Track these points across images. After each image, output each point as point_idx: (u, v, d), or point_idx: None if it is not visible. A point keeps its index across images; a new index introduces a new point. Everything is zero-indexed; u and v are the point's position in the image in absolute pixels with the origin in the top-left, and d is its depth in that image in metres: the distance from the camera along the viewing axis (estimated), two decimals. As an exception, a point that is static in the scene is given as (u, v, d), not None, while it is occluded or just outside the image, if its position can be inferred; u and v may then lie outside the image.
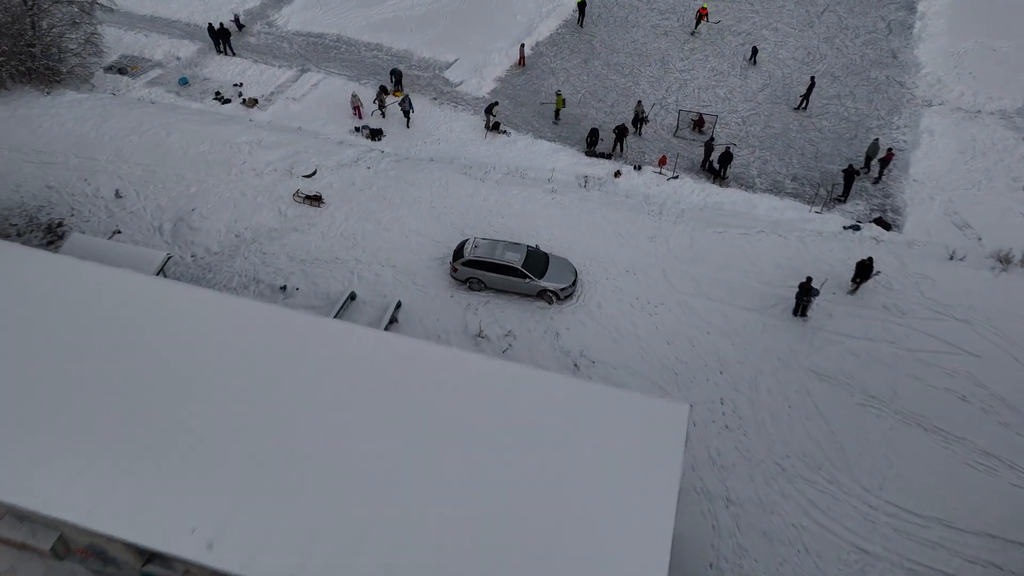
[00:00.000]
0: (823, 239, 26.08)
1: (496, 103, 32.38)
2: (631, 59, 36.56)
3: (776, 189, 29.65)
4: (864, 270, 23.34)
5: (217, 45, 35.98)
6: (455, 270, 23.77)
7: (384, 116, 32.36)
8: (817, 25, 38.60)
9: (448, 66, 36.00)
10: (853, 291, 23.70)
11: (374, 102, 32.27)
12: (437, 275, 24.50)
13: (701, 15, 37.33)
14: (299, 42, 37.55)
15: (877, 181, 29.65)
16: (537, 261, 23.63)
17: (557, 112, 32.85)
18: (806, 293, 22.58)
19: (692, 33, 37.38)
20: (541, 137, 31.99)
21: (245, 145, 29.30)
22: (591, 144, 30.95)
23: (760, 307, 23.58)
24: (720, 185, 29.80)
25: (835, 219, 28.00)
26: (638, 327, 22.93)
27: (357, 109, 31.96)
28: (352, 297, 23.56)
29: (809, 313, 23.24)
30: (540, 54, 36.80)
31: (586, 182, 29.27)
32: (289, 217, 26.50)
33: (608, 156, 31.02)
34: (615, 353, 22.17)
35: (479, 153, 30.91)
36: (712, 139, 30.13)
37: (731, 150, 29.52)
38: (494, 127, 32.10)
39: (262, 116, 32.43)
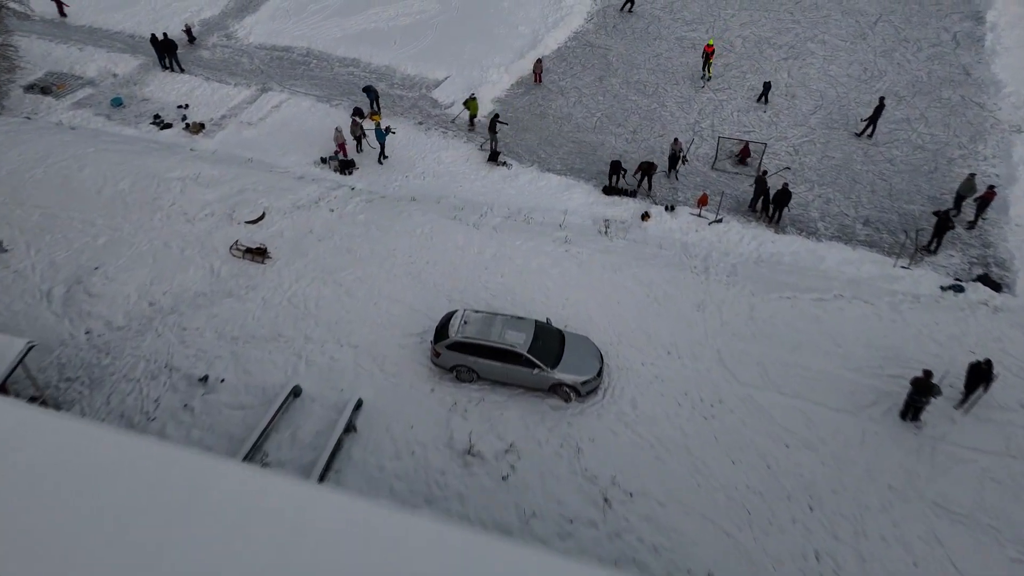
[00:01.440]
0: (922, 307, 19.51)
1: (498, 116, 25.94)
2: (654, 76, 30.23)
3: (845, 236, 23.13)
4: (979, 377, 16.62)
5: (162, 60, 29.68)
6: (437, 355, 17.18)
7: (361, 150, 25.90)
8: (871, 37, 32.34)
9: (437, 84, 29.69)
10: (964, 405, 16.95)
11: (353, 135, 25.70)
12: (414, 359, 17.90)
13: (708, 55, 29.42)
14: (261, 56, 31.24)
15: (972, 226, 23.16)
16: (549, 343, 17.05)
17: (471, 119, 26.90)
18: (924, 392, 15.99)
19: (703, 78, 29.60)
20: (549, 170, 25.57)
21: (177, 181, 22.81)
22: (612, 179, 24.57)
23: (853, 406, 16.97)
24: (775, 231, 23.34)
25: (928, 276, 21.44)
26: (689, 437, 16.28)
27: (342, 147, 25.37)
28: (296, 393, 16.96)
29: (923, 417, 16.65)
30: (547, 71, 30.45)
31: (607, 228, 22.77)
32: (223, 277, 19.93)
33: (632, 193, 24.58)
34: (660, 479, 15.49)
35: (473, 190, 24.45)
36: (766, 173, 23.68)
37: (789, 187, 23.07)
38: (492, 157, 25.73)
39: (207, 144, 26.00)
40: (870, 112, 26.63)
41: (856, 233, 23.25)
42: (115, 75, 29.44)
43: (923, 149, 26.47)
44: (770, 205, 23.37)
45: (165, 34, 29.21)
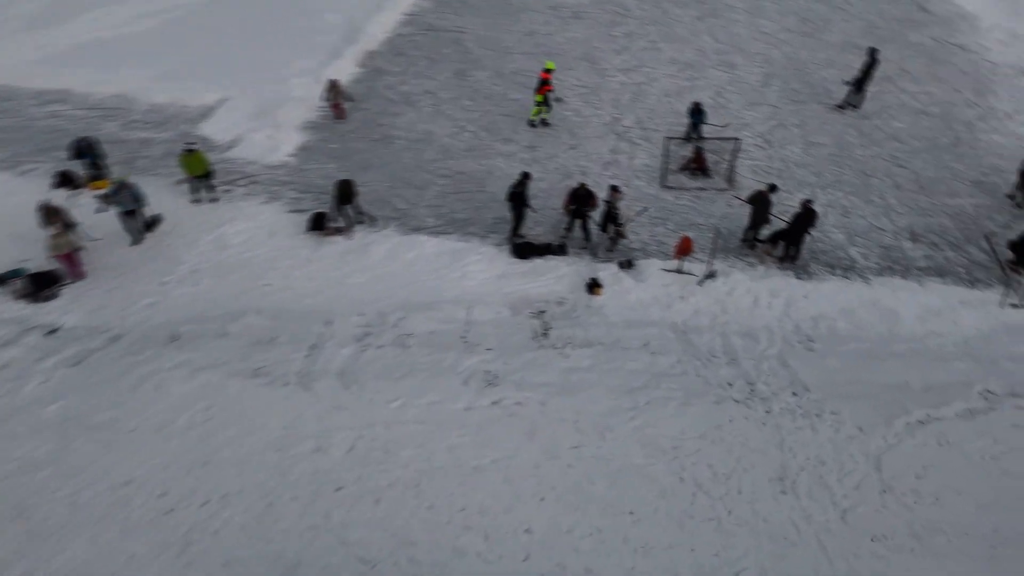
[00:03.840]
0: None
1: (350, 186, 14.25)
2: (537, 62, 20.02)
3: (897, 265, 14.16)
4: None
5: None
6: None
7: (64, 246, 13.51)
8: (789, -21, 24.07)
9: (207, 114, 17.84)
10: None
11: (48, 222, 13.30)
12: None
13: (543, 84, 16.83)
14: None
15: (1060, 216, 15.02)
16: None
17: (196, 179, 14.64)
18: None
19: (531, 123, 17.24)
20: (417, 228, 14.65)
21: None
22: (517, 222, 14.30)
23: None
24: (796, 275, 14.03)
25: (1060, 315, 13.02)
26: None
27: (68, 262, 12.98)
28: None
29: None
30: (378, 72, 19.50)
31: (546, 327, 12.41)
32: None
33: (559, 248, 14.34)
34: None
35: (291, 290, 13.10)
36: (773, 188, 14.21)
37: (812, 205, 13.73)
38: (316, 224, 14.53)
39: None
40: (857, 73, 18.02)
41: (909, 257, 14.39)
42: None
43: (927, 114, 18.32)
44: (781, 236, 14.06)
45: None
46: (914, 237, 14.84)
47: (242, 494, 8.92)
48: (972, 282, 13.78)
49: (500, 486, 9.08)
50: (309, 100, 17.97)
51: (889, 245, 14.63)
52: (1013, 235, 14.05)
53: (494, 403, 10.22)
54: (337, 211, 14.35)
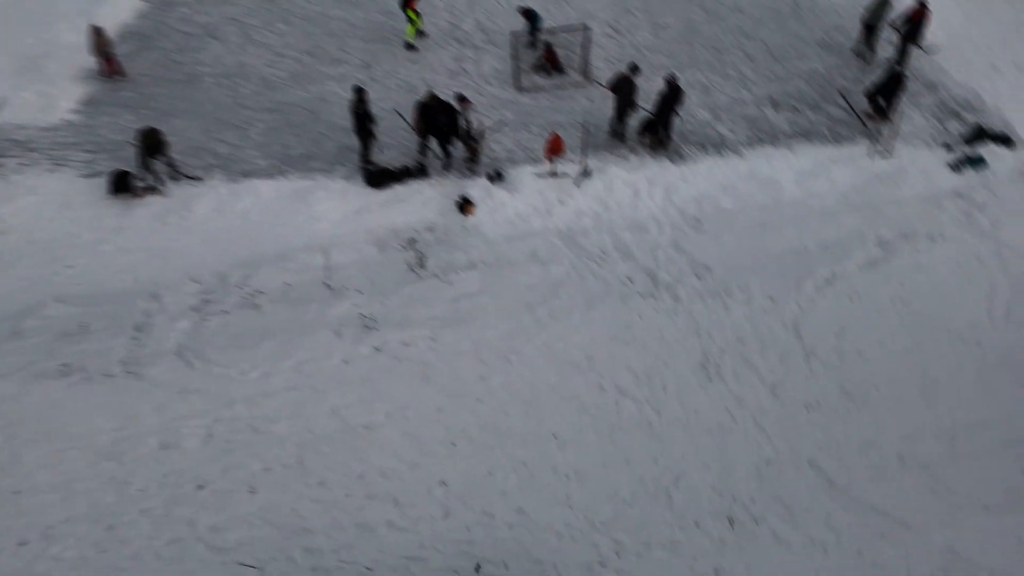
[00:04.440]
0: (998, 210, 10.95)
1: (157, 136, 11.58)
2: (354, -27, 17.88)
3: (765, 135, 13.88)
4: None
5: None
6: None
7: None
8: None
9: (-49, 76, 14.31)
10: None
11: None
12: None
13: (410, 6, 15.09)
14: None
15: (900, 62, 15.14)
16: None
17: None
18: None
19: (408, 45, 15.38)
20: (248, 174, 12.49)
21: None
22: (366, 149, 12.57)
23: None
24: (670, 160, 13.33)
25: (924, 157, 13.20)
26: None
27: None
28: None
29: None
30: (166, 4, 16.47)
31: (421, 258, 10.91)
32: None
33: (418, 171, 12.75)
34: None
35: (98, 269, 10.65)
36: (636, 68, 13.18)
37: (677, 81, 12.93)
38: (119, 184, 11.98)
39: None
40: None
41: (774, 125, 14.14)
42: None
43: (762, -15, 18.09)
44: (651, 120, 13.25)
45: None
46: (775, 104, 14.57)
47: (71, 522, 6.95)
48: (837, 139, 13.71)
49: (400, 441, 7.67)
50: (84, 46, 14.83)
51: (753, 116, 14.28)
52: (867, 86, 14.01)
53: (377, 349, 8.70)
54: (144, 166, 11.90)
